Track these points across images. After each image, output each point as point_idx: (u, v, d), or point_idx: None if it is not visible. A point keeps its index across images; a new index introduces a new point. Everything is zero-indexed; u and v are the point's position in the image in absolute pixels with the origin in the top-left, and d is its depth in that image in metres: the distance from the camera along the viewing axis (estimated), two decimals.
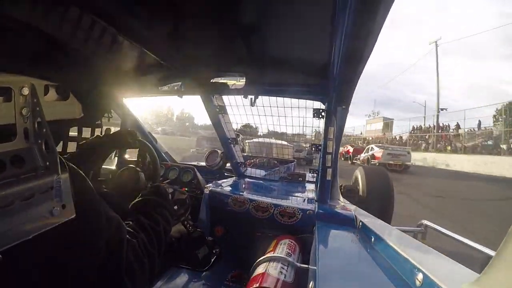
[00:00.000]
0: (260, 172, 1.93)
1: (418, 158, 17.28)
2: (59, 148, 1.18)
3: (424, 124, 25.07)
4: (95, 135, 1.09)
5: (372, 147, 14.99)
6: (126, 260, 0.53)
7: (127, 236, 0.57)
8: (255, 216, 1.19)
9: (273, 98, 1.31)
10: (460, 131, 19.47)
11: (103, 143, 1.00)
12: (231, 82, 1.25)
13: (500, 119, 17.24)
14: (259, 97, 1.30)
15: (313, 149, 1.30)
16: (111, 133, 1.05)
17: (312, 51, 0.94)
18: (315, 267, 0.66)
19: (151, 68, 1.13)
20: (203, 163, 1.90)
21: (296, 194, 1.53)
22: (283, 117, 1.37)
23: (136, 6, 0.68)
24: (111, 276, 0.50)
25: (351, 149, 17.67)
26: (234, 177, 1.78)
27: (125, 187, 0.94)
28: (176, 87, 1.36)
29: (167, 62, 1.05)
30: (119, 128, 1.53)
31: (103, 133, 1.44)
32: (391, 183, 2.07)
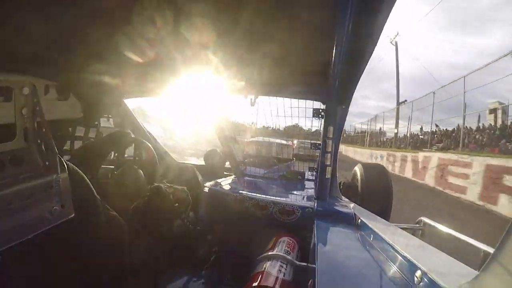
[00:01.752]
0: (259, 171, 1.94)
1: None
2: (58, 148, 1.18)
3: None
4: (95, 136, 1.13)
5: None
6: (130, 260, 0.53)
7: (131, 237, 0.58)
8: (254, 214, 1.19)
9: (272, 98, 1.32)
10: None
11: (104, 144, 1.02)
12: (231, 82, 1.25)
13: None
14: (259, 97, 1.30)
15: (313, 147, 1.31)
16: (109, 134, 1.07)
17: (312, 51, 0.94)
18: (314, 265, 0.66)
19: (151, 68, 1.13)
20: (203, 162, 1.90)
21: (295, 192, 1.53)
22: (282, 117, 1.37)
23: (136, 6, 0.68)
24: (113, 275, 0.50)
25: None
26: (233, 176, 1.78)
27: (125, 185, 0.94)
28: (176, 88, 1.36)
29: (167, 63, 1.04)
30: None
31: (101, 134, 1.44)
32: (390, 180, 2.07)
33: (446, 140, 11.13)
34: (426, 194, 7.25)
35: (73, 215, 0.42)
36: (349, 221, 1.04)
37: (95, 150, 1.02)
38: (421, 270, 0.53)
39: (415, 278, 0.53)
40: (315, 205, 1.14)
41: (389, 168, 10.70)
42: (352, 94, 1.12)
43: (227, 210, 1.26)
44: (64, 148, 1.17)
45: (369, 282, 0.62)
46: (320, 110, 1.20)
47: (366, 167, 2.17)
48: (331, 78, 0.98)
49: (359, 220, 0.99)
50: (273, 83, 1.23)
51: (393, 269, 0.63)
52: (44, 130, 0.41)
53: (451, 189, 7.23)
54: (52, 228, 0.39)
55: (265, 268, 0.79)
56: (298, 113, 1.32)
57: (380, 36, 0.67)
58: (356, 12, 0.57)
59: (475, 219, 5.00)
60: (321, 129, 1.30)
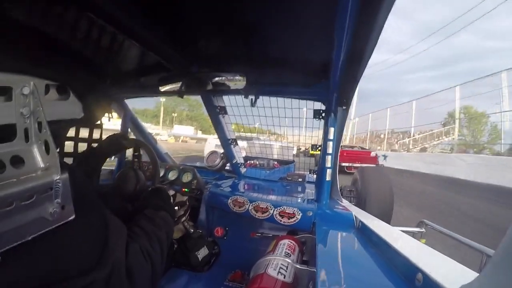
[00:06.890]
0: (260, 173, 1.94)
1: None
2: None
3: None
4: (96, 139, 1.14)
5: None
6: (127, 264, 0.52)
7: (130, 239, 0.57)
8: (255, 217, 1.19)
9: (273, 99, 1.32)
10: None
11: (103, 149, 1.04)
12: (232, 82, 1.25)
13: None
14: (260, 97, 1.30)
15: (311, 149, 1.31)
16: (106, 138, 1.08)
17: (312, 51, 0.94)
18: (314, 268, 0.66)
19: (152, 68, 1.13)
20: (203, 164, 1.90)
21: (296, 195, 1.53)
22: (283, 118, 1.38)
23: (137, 6, 0.69)
24: (111, 278, 0.50)
25: None
26: (234, 178, 1.78)
27: (125, 188, 0.94)
28: (176, 87, 1.36)
29: (168, 62, 1.05)
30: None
31: (102, 134, 1.44)
32: (391, 184, 2.07)
33: None
34: None
35: (73, 216, 0.42)
36: (350, 223, 1.03)
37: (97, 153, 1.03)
38: (422, 272, 0.52)
39: (416, 281, 0.53)
40: (316, 207, 1.14)
41: None
42: (353, 95, 1.12)
43: (227, 212, 1.26)
44: (65, 148, 1.17)
45: (369, 284, 0.62)
46: (321, 111, 1.20)
47: (367, 171, 2.17)
48: (331, 78, 0.98)
49: (360, 223, 0.98)
50: (273, 82, 1.23)
51: (394, 272, 0.63)
52: (44, 130, 0.41)
53: None
54: (51, 230, 0.39)
55: (265, 271, 0.79)
56: (299, 113, 1.32)
57: (380, 36, 0.67)
58: (356, 12, 0.57)
59: None
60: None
